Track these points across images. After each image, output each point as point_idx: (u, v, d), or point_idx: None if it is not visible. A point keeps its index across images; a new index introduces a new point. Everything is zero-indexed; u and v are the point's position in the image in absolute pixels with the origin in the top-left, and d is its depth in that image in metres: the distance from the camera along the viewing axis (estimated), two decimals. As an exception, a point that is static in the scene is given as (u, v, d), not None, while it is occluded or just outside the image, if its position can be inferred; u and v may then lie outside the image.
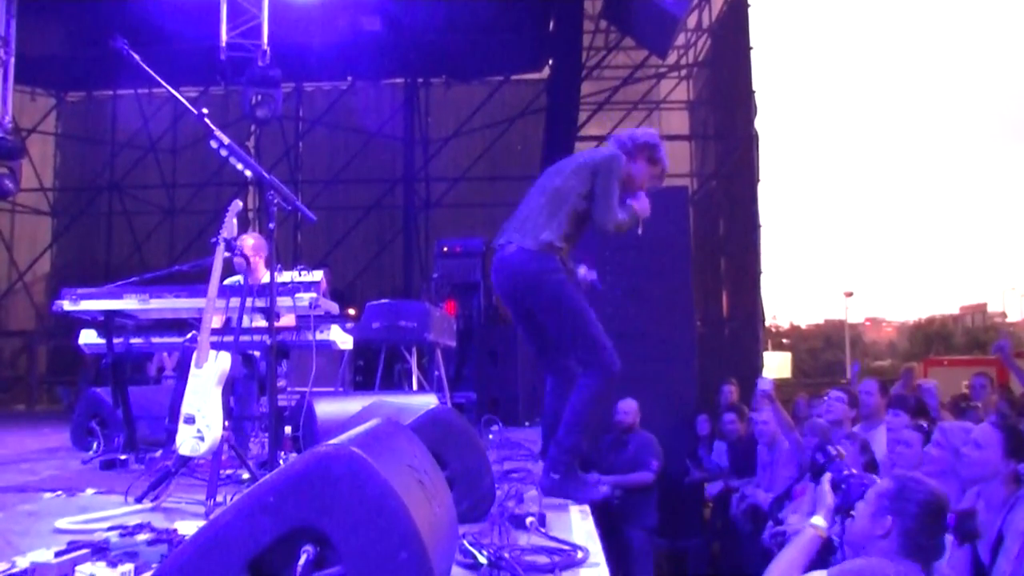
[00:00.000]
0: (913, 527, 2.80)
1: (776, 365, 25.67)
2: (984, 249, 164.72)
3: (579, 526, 3.61)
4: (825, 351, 47.57)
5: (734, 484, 7.64)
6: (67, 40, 13.69)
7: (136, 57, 3.98)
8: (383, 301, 7.58)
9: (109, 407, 5.72)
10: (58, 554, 2.61)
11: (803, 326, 59.67)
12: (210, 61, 10.61)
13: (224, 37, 10.35)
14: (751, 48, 12.81)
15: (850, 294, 64.17)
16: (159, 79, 4.11)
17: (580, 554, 3.01)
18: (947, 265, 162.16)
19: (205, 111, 4.05)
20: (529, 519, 3.41)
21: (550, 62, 14.60)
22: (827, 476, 3.32)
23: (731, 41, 13.81)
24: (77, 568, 2.55)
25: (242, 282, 5.07)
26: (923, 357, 26.23)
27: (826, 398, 6.48)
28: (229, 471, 4.42)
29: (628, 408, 7.98)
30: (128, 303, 5.17)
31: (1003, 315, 67.00)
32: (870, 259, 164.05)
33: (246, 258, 5.06)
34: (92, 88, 17.01)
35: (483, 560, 2.74)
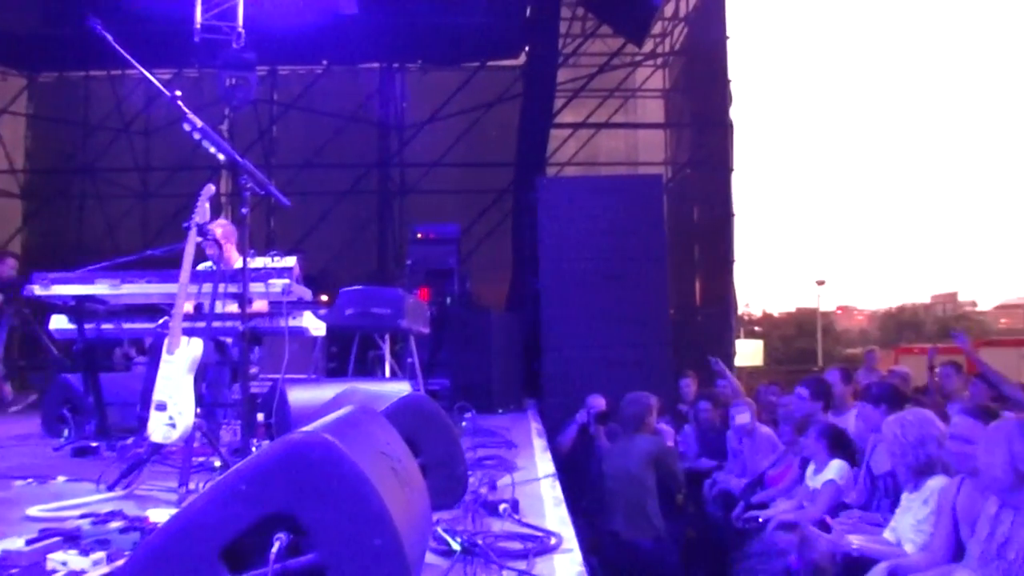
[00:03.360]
0: None
1: (748, 352, 25.86)
2: (955, 238, 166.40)
3: (552, 513, 3.63)
4: (797, 339, 47.86)
5: (704, 468, 7.73)
6: (39, 19, 13.49)
7: (109, 38, 3.95)
8: (357, 287, 7.55)
9: (80, 393, 5.68)
10: (29, 542, 2.60)
11: (775, 314, 60.06)
12: (184, 43, 10.48)
13: (199, 19, 10.23)
14: (727, 37, 12.84)
15: (822, 282, 64.87)
16: (132, 61, 4.08)
17: (553, 540, 3.03)
18: (919, 254, 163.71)
19: (178, 93, 4.03)
20: (502, 506, 3.43)
21: (526, 49, 14.55)
22: None
23: (707, 30, 13.83)
24: (48, 556, 2.54)
25: (214, 267, 5.04)
26: (894, 345, 26.52)
27: (794, 394, 6.60)
28: (201, 458, 4.40)
29: (598, 404, 8.08)
30: (100, 288, 5.14)
31: (973, 304, 67.89)
32: (842, 248, 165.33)
33: (218, 244, 5.03)
34: (65, 68, 16.74)
35: (456, 546, 2.75)
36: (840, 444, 5.53)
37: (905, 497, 4.34)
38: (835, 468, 5.41)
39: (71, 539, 2.74)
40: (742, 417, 6.90)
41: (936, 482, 4.15)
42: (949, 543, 3.86)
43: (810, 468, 5.67)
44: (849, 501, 5.23)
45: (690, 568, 6.68)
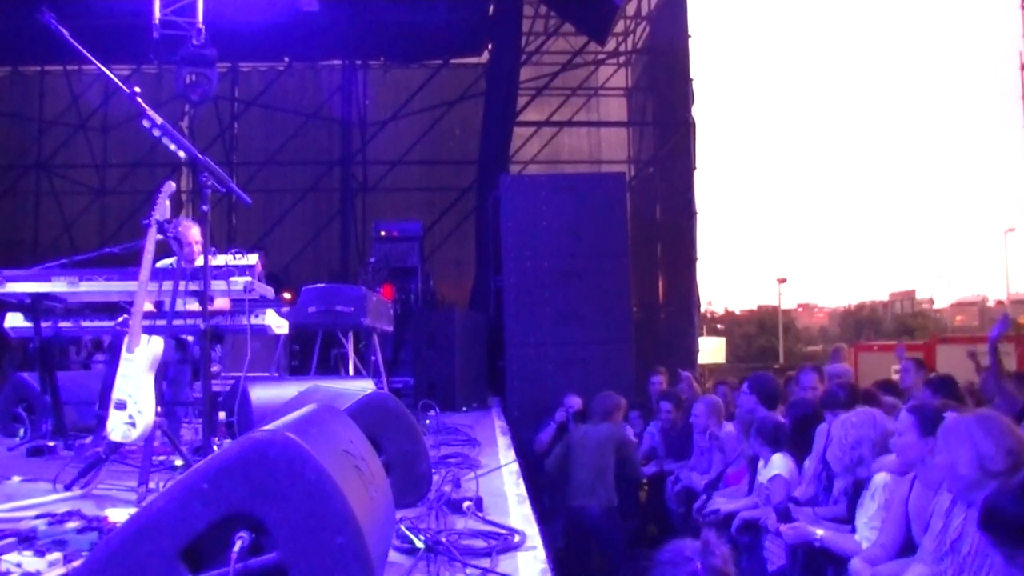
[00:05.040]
0: None
1: (710, 350, 26.02)
2: (913, 237, 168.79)
3: (516, 510, 3.63)
4: (759, 336, 48.37)
5: (668, 467, 7.78)
6: (-8, 13, 13.25)
7: (64, 32, 3.88)
8: (319, 285, 7.51)
9: (36, 392, 5.58)
10: (-17, 543, 2.55)
11: (737, 312, 60.68)
12: (143, 38, 10.35)
13: (157, 14, 10.10)
14: (689, 36, 12.91)
15: (783, 280, 65.41)
16: (89, 56, 4.01)
17: (517, 538, 3.03)
18: (877, 252, 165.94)
19: (137, 90, 3.97)
20: (466, 504, 3.43)
21: (489, 46, 14.55)
22: None
23: (669, 29, 13.88)
24: (3, 557, 2.50)
25: (175, 265, 4.98)
26: (853, 342, 26.86)
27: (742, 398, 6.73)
28: (162, 457, 4.36)
29: (576, 403, 8.18)
30: (56, 286, 5.06)
31: (930, 301, 68.98)
32: (803, 246, 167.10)
33: (180, 242, 4.97)
34: (18, 63, 16.44)
35: (420, 544, 2.74)
36: (778, 439, 5.62)
37: (862, 495, 4.41)
38: (778, 463, 5.50)
39: (26, 540, 2.70)
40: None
41: (881, 477, 4.21)
42: (899, 540, 3.92)
43: (760, 464, 5.76)
44: (798, 494, 5.29)
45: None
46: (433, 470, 3.74)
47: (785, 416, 6.00)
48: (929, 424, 3.80)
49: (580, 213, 9.59)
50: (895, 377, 8.28)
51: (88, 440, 4.88)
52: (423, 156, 15.99)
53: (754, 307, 60.37)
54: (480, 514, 3.39)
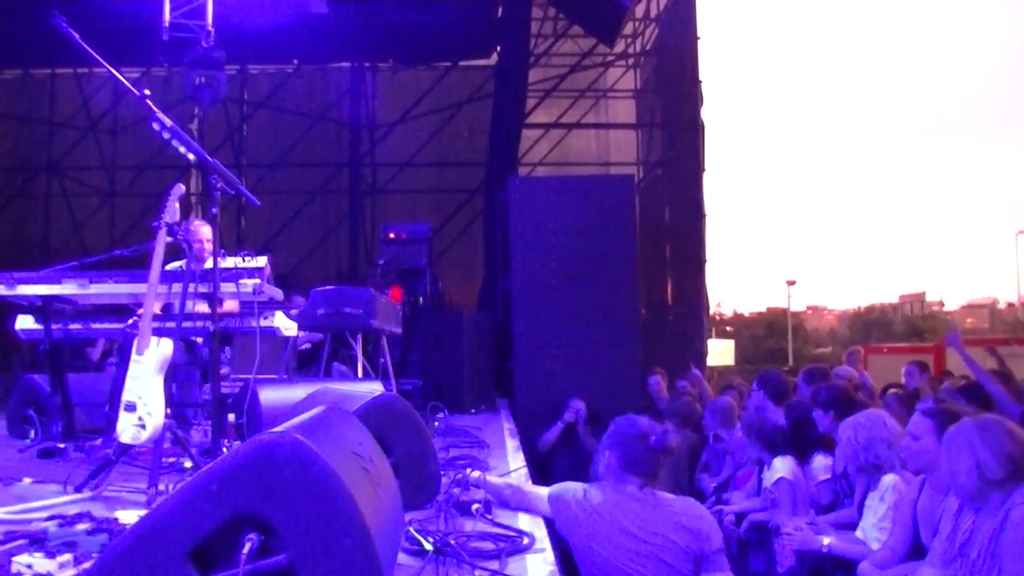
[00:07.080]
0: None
1: (719, 352, 26.00)
2: (923, 239, 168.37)
3: (524, 513, 3.62)
4: (767, 339, 48.31)
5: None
6: (1, 15, 13.29)
7: (75, 35, 3.89)
8: (328, 287, 7.51)
9: (46, 394, 5.59)
10: (-6, 544, 2.56)
11: (746, 314, 60.59)
12: (152, 41, 10.38)
13: (167, 17, 10.13)
14: (698, 38, 12.91)
15: (792, 282, 65.11)
16: (99, 59, 4.03)
17: (526, 540, 3.03)
18: (887, 254, 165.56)
19: (147, 92, 3.98)
20: (475, 506, 3.43)
21: (498, 48, 14.56)
22: None
23: (678, 30, 13.89)
24: (14, 559, 2.50)
25: (184, 267, 5.00)
26: (863, 345, 26.78)
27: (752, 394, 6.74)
28: (171, 459, 4.36)
29: (582, 406, 8.23)
30: (67, 288, 5.07)
31: (940, 304, 68.81)
32: (812, 248, 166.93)
33: (190, 244, 4.98)
34: (29, 66, 16.48)
35: (429, 547, 2.74)
36: (776, 442, 5.60)
37: (868, 496, 4.40)
38: (780, 466, 5.47)
39: (37, 541, 2.70)
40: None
41: (890, 479, 4.20)
42: (907, 542, 3.91)
43: (765, 467, 5.75)
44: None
45: None
46: (442, 472, 3.73)
47: (784, 417, 5.99)
48: (946, 428, 3.79)
49: (588, 215, 9.57)
50: (904, 380, 8.27)
51: (98, 442, 4.89)
52: (432, 158, 16.00)
53: (763, 309, 60.33)
54: (489, 516, 3.39)
